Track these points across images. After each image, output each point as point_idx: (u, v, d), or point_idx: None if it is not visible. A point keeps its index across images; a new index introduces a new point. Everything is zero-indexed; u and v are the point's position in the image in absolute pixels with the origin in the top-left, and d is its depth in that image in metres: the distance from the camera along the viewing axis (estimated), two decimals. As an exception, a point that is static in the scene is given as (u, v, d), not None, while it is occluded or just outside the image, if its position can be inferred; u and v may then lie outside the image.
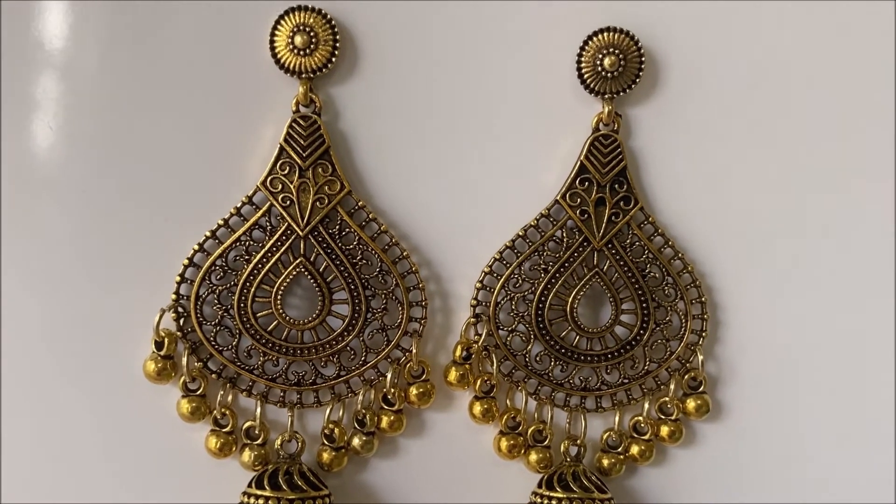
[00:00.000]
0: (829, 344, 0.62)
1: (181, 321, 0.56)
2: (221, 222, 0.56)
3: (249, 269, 0.56)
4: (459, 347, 0.58)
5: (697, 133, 0.60)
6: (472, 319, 0.59)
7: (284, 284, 0.56)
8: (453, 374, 0.58)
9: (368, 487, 0.60)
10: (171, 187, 0.56)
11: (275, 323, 0.56)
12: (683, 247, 0.61)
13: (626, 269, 0.59)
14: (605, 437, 0.61)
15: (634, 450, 0.60)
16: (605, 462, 0.60)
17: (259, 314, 0.56)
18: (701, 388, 0.61)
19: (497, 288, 0.59)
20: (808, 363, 0.62)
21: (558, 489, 0.57)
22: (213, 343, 0.56)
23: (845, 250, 0.62)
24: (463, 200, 0.59)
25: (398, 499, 0.60)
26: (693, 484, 0.62)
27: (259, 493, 0.54)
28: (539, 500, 0.57)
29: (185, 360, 0.55)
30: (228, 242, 0.56)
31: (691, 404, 0.60)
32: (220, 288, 0.56)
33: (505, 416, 0.59)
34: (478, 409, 0.59)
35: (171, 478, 0.58)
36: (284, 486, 0.54)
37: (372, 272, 0.57)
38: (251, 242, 0.56)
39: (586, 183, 0.58)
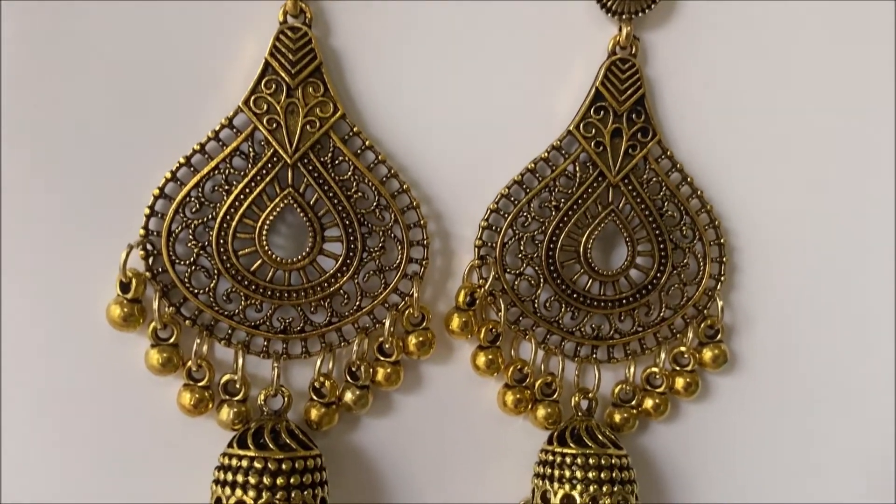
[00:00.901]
0: (850, 292, 0.59)
1: (150, 260, 0.49)
2: (197, 147, 0.49)
3: (229, 201, 0.49)
4: (463, 292, 0.53)
5: (717, 63, 0.56)
6: (477, 262, 0.53)
7: (270, 219, 0.49)
8: (456, 322, 0.52)
9: (360, 448, 0.54)
10: (140, 107, 0.49)
11: (258, 262, 0.50)
12: (700, 185, 0.56)
13: (642, 206, 0.54)
14: (616, 390, 0.56)
15: (648, 403, 0.56)
16: (617, 417, 0.56)
17: (240, 252, 0.50)
18: (718, 337, 0.57)
19: (504, 227, 0.53)
20: (827, 312, 0.59)
21: (572, 445, 0.52)
22: (188, 285, 0.49)
23: (870, 194, 0.59)
24: (467, 130, 0.53)
25: (393, 461, 0.54)
26: (706, 441, 0.58)
27: (242, 453, 0.48)
28: (550, 458, 0.52)
29: (155, 304, 0.49)
30: (205, 171, 0.49)
31: (708, 354, 0.56)
32: (195, 222, 0.49)
33: (511, 368, 0.54)
34: (482, 359, 0.53)
35: (137, 439, 0.51)
36: (271, 445, 0.48)
37: (368, 207, 0.51)
38: (231, 171, 0.49)
39: (602, 112, 0.53)
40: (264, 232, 0.49)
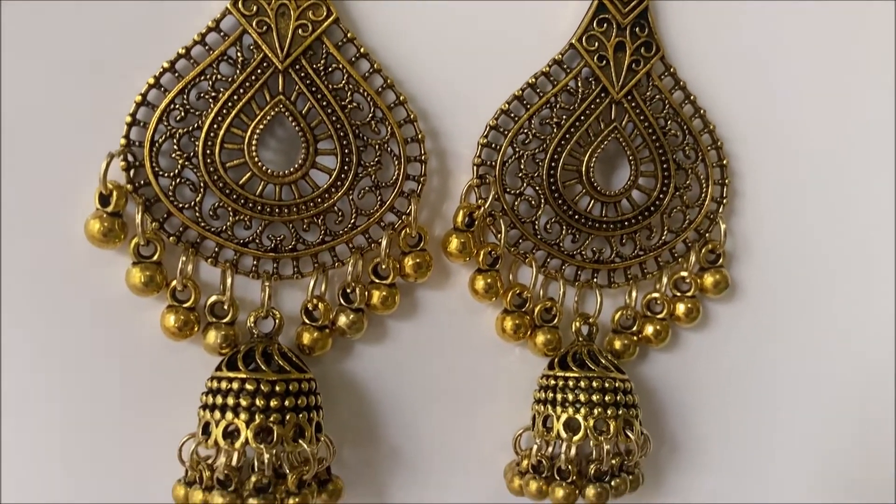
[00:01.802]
0: (850, 219, 0.58)
1: (132, 172, 0.46)
2: (182, 52, 0.46)
3: (216, 109, 0.46)
4: (461, 212, 0.50)
5: (720, -22, 0.54)
6: (475, 181, 0.51)
7: (259, 128, 0.46)
8: (454, 243, 0.50)
9: (354, 376, 0.52)
10: (122, 8, 0.46)
11: (247, 175, 0.47)
12: (703, 106, 0.55)
13: (646, 124, 0.52)
14: (617, 316, 0.54)
15: (649, 330, 0.54)
16: (618, 344, 0.54)
17: (228, 164, 0.47)
18: (719, 262, 0.55)
19: (503, 145, 0.51)
20: (828, 240, 0.58)
21: (574, 368, 0.51)
22: (172, 199, 0.46)
23: (872, 123, 0.58)
24: (465, 42, 0.51)
25: (387, 389, 0.52)
26: (706, 369, 0.57)
27: (232, 375, 0.45)
28: (552, 383, 0.51)
29: (137, 218, 0.45)
30: (190, 77, 0.46)
31: (709, 280, 0.55)
32: (179, 132, 0.46)
33: (510, 293, 0.52)
34: (480, 283, 0.51)
35: (118, 366, 0.48)
36: (263, 367, 0.45)
37: (363, 118, 0.48)
38: (218, 77, 0.46)
39: (605, 24, 0.52)
40: (254, 142, 0.46)
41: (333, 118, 0.47)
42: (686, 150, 0.54)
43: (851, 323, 0.59)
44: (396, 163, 0.49)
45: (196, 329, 0.47)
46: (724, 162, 0.55)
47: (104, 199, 0.45)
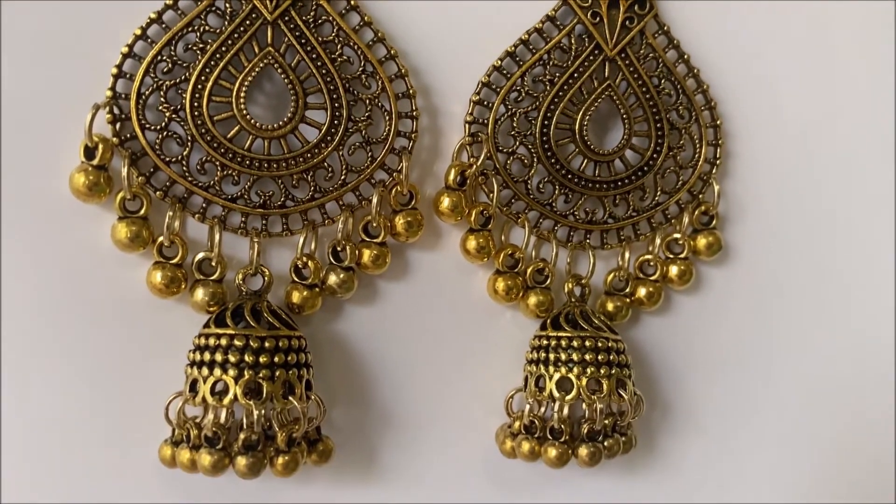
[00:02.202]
0: (846, 182, 0.58)
1: (118, 125, 0.45)
2: (170, 2, 0.45)
3: (204, 60, 0.45)
4: (454, 171, 0.50)
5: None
6: (468, 139, 0.50)
7: (248, 81, 0.46)
8: (445, 202, 0.50)
9: (344, 337, 0.51)
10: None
11: (235, 129, 0.46)
12: (697, 65, 0.54)
13: (640, 83, 0.52)
14: (609, 278, 0.54)
15: (641, 292, 0.54)
16: (610, 306, 0.54)
17: (216, 118, 0.46)
18: (712, 224, 0.55)
19: (496, 102, 0.50)
20: (822, 202, 0.58)
21: (567, 328, 0.50)
22: (159, 153, 0.45)
23: (868, 82, 0.57)
24: (457, -2, 0.50)
25: (378, 351, 0.51)
26: (700, 333, 0.57)
27: (220, 331, 0.44)
28: (544, 343, 0.50)
29: (123, 171, 0.44)
30: (178, 28, 0.45)
31: (702, 241, 0.55)
32: (166, 84, 0.45)
33: (502, 254, 0.51)
34: (472, 243, 0.51)
35: (102, 323, 0.47)
36: (252, 323, 0.45)
37: (353, 72, 0.47)
38: (206, 29, 0.45)
39: (598, -20, 0.51)
40: (242, 95, 0.46)
41: (323, 71, 0.47)
42: (680, 109, 0.53)
43: (848, 287, 0.59)
44: (387, 118, 0.48)
45: (183, 286, 0.46)
46: (718, 123, 0.54)
47: (89, 152, 0.44)
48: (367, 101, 0.48)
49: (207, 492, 0.49)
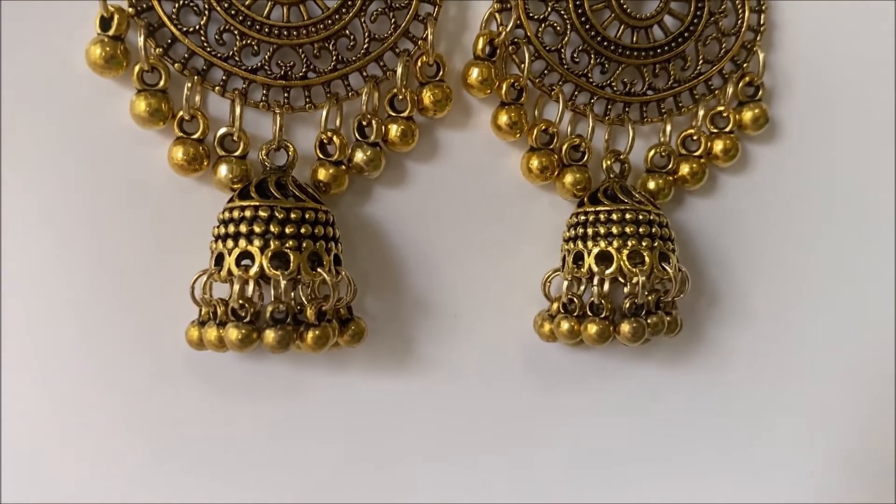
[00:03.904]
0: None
1: (133, -4, 0.43)
2: None
3: (218, -78, 0.43)
4: (482, 40, 0.48)
5: None
6: (496, 5, 0.48)
7: (265, -57, 0.44)
8: (474, 74, 0.47)
9: (374, 219, 0.49)
10: None
11: (253, -6, 0.44)
12: (739, -75, 0.51)
13: (678, -59, 0.49)
14: (650, 155, 0.51)
15: (684, 169, 0.51)
16: (652, 184, 0.51)
17: (233, -17, 0.44)
18: (758, 96, 0.52)
19: (525, -35, 0.48)
20: (873, 79, 0.54)
21: (606, 202, 0.48)
22: (175, 23, 0.44)
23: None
24: None
25: (408, 234, 0.50)
26: (747, 214, 0.54)
27: (245, 203, 0.43)
28: (583, 219, 0.48)
29: (140, 42, 0.43)
30: None
31: (748, 115, 0.52)
32: (181, -51, 0.43)
33: (535, 130, 0.49)
34: (503, 118, 0.48)
35: (124, 204, 0.45)
36: (277, 195, 0.43)
37: (374, -67, 0.45)
38: None
39: None
40: (259, -42, 0.44)
41: (341, -69, 0.44)
42: (721, -29, 0.50)
43: (900, 166, 0.56)
44: (410, -18, 0.46)
45: (206, 164, 0.45)
46: (762, -15, 0.51)
47: (105, 23, 0.43)
48: (389, -35, 0.46)
49: (242, 379, 0.48)
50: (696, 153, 0.51)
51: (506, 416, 0.52)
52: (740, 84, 0.52)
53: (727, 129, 0.51)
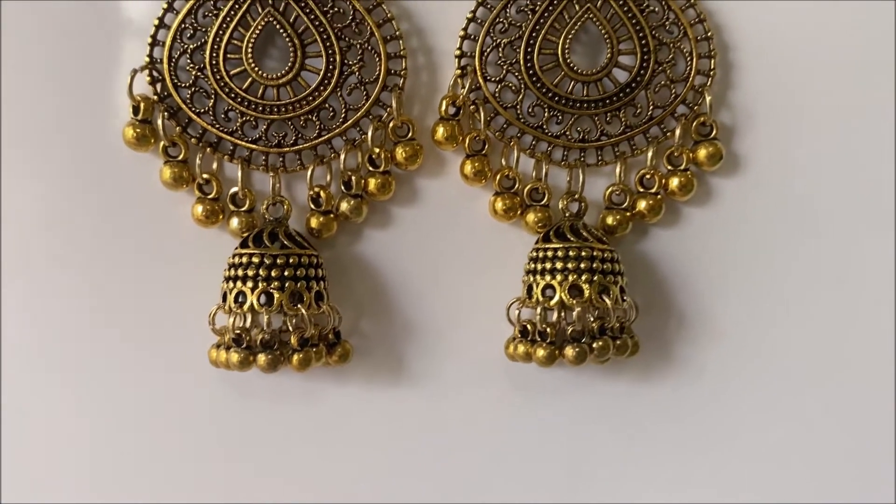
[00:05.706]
0: (854, 86, 0.57)
1: (157, 86, 0.55)
2: (188, -21, 0.54)
3: (217, 24, 0.54)
4: (445, 102, 0.55)
5: None
6: (458, 71, 0.55)
7: (254, 37, 0.54)
8: (441, 132, 0.55)
9: (363, 257, 0.58)
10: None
11: (249, 81, 0.54)
12: (686, -21, 0.55)
13: (621, 2, 0.54)
14: (608, 192, 0.57)
15: (642, 205, 0.56)
16: (610, 220, 0.57)
17: (232, 72, 0.54)
18: (712, 135, 0.56)
19: (481, 35, 0.55)
20: (830, 110, 0.57)
21: (555, 240, 0.54)
22: (190, 106, 0.55)
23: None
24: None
25: (394, 268, 0.58)
26: (712, 243, 0.58)
27: (244, 251, 0.53)
28: (537, 255, 0.55)
29: (160, 122, 0.54)
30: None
31: (702, 152, 0.56)
32: (191, 48, 0.54)
33: (499, 176, 0.56)
34: (469, 168, 0.56)
35: (159, 252, 0.57)
36: (268, 244, 0.53)
37: (345, 21, 0.54)
38: (218, -3, 0.54)
39: None
40: (250, 51, 0.54)
41: (317, 24, 0.54)
42: (668, 25, 0.55)
43: (861, 190, 0.58)
44: (378, 59, 0.54)
45: (221, 217, 0.56)
46: (710, 34, 0.55)
47: (135, 109, 0.54)
48: (359, 46, 0.54)
49: (255, 391, 0.58)
50: (653, 190, 0.56)
51: (486, 421, 0.59)
52: (694, 124, 0.56)
53: (682, 168, 0.56)
